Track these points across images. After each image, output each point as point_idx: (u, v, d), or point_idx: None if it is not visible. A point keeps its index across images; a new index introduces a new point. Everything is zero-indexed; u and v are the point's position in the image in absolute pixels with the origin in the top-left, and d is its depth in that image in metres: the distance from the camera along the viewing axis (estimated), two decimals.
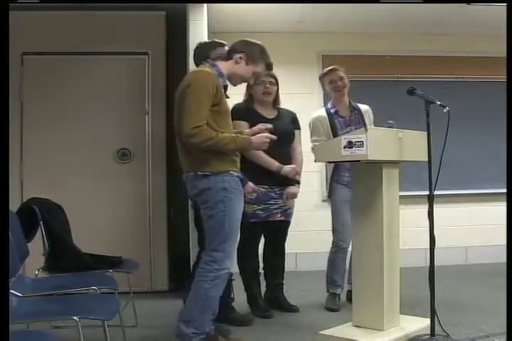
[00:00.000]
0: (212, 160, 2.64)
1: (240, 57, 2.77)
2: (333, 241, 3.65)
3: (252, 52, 2.80)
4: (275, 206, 3.43)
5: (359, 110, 3.73)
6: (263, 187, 3.38)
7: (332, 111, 3.68)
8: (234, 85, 2.89)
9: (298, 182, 3.52)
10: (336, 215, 3.62)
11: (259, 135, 2.75)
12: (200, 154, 2.64)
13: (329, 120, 3.64)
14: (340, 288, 3.66)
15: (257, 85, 3.45)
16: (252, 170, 3.29)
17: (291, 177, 3.43)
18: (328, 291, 3.68)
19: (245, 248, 3.45)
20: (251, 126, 3.29)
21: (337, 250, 3.62)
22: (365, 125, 3.57)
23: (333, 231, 3.64)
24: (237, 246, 2.77)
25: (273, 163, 3.40)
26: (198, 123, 2.56)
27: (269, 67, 2.88)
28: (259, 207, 3.38)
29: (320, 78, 3.79)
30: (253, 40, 2.86)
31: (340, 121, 3.66)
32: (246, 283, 3.53)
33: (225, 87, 3.12)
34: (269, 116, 3.51)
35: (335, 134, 3.56)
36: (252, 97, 3.51)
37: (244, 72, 2.81)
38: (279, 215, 3.46)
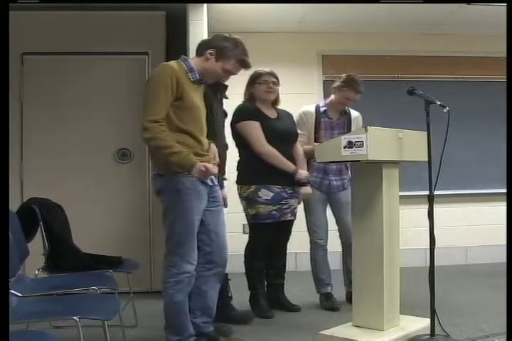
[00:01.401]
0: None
1: (210, 53, 2.66)
2: (311, 241, 3.67)
3: (223, 47, 2.65)
4: (286, 206, 3.44)
5: (349, 115, 3.73)
6: (277, 187, 3.39)
7: (321, 109, 3.69)
8: (208, 82, 2.79)
9: (308, 182, 3.55)
10: (309, 216, 3.65)
11: (204, 164, 2.51)
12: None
13: (316, 118, 3.65)
14: (330, 286, 3.66)
15: (260, 84, 3.46)
16: (265, 170, 3.32)
17: (304, 181, 3.47)
18: (318, 292, 3.68)
19: (255, 248, 3.47)
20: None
21: (316, 248, 3.64)
22: (349, 130, 3.59)
23: (309, 231, 3.67)
24: (195, 249, 2.63)
25: (290, 165, 3.41)
26: (153, 117, 2.49)
27: (242, 63, 2.70)
28: (274, 208, 3.39)
29: (337, 78, 3.70)
30: (229, 35, 2.71)
31: (326, 122, 3.66)
32: (251, 282, 3.53)
33: (225, 87, 3.11)
34: (272, 115, 3.52)
35: (316, 133, 3.59)
36: (253, 97, 3.50)
37: (213, 68, 2.67)
38: (289, 215, 3.47)
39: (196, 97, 2.67)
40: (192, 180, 2.57)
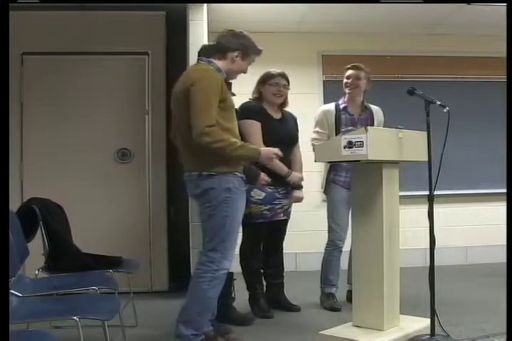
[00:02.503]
0: (218, 160, 2.63)
1: (236, 56, 2.78)
2: (329, 240, 3.65)
3: (246, 48, 2.80)
4: (279, 206, 3.44)
5: (370, 110, 3.72)
6: (269, 188, 3.39)
7: (341, 106, 3.68)
8: (230, 79, 2.92)
9: (301, 187, 3.56)
10: (332, 215, 3.63)
11: (269, 149, 2.77)
12: (205, 154, 2.63)
13: (336, 115, 3.64)
14: (335, 288, 3.66)
15: (271, 86, 3.47)
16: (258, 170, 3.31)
17: (296, 184, 3.50)
18: (323, 292, 3.67)
19: (249, 248, 3.48)
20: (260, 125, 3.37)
21: (333, 249, 3.62)
22: (372, 125, 3.58)
23: (329, 230, 3.65)
24: (235, 247, 2.75)
25: (283, 168, 3.42)
26: (211, 122, 2.56)
27: (258, 54, 2.88)
28: (266, 208, 3.40)
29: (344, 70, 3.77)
30: (239, 32, 2.84)
31: (347, 118, 3.65)
32: (249, 282, 3.53)
33: (229, 85, 3.14)
34: (276, 116, 3.53)
35: (338, 130, 3.57)
36: (261, 96, 3.51)
37: (242, 68, 2.84)
38: (281, 215, 3.48)
39: (231, 97, 2.80)
40: (240, 181, 2.71)
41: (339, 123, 3.61)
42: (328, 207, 3.66)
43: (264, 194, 3.37)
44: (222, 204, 2.64)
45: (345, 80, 3.69)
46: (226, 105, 2.68)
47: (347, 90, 3.68)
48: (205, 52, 3.04)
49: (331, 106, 3.71)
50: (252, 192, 3.34)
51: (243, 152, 2.64)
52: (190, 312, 2.65)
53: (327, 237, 3.66)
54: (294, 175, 3.46)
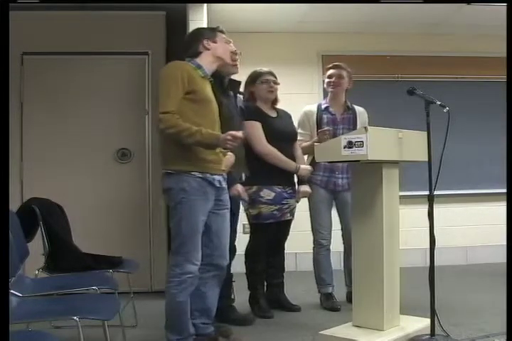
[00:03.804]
0: (179, 158, 2.59)
1: (206, 42, 2.74)
2: (314, 241, 3.67)
3: (208, 34, 2.78)
4: (286, 206, 3.45)
5: (353, 110, 3.72)
6: (278, 187, 3.40)
7: (323, 106, 3.70)
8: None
9: (309, 181, 3.57)
10: (314, 216, 3.65)
11: (230, 132, 2.54)
12: (168, 151, 2.62)
13: (317, 115, 3.65)
14: (331, 287, 3.66)
15: (262, 83, 3.48)
16: (267, 170, 3.33)
17: (306, 178, 3.50)
18: (320, 292, 3.68)
19: (256, 248, 3.48)
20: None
21: (320, 248, 3.64)
22: (355, 126, 3.59)
23: (313, 230, 3.67)
24: (199, 249, 2.62)
25: (292, 164, 3.42)
26: (165, 108, 2.54)
27: (222, 31, 2.84)
28: (276, 208, 3.40)
29: (324, 71, 3.81)
30: (194, 28, 2.94)
31: (329, 118, 3.66)
32: (251, 282, 3.53)
33: (238, 83, 3.18)
34: (272, 114, 3.53)
35: (319, 129, 3.57)
36: (253, 96, 3.51)
37: (224, 48, 2.80)
38: (288, 215, 3.48)
39: (208, 92, 2.73)
40: (199, 181, 2.60)
41: (320, 123, 3.62)
42: (310, 208, 3.68)
43: (273, 194, 3.37)
44: (178, 206, 2.59)
45: (327, 80, 3.71)
46: (196, 97, 2.62)
47: (330, 89, 3.70)
48: (187, 56, 3.08)
49: (313, 106, 3.73)
50: (261, 193, 3.35)
51: (199, 138, 2.51)
52: (169, 318, 2.65)
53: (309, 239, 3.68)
54: (303, 169, 3.46)
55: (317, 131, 3.58)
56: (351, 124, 3.65)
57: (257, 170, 3.35)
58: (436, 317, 2.73)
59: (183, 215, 2.58)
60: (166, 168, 2.63)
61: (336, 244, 3.72)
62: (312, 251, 3.70)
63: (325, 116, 3.65)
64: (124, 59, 4.18)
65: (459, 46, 5.16)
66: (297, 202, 3.56)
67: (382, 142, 2.73)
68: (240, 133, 2.54)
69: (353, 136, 2.65)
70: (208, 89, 2.73)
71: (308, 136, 3.65)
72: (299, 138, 3.64)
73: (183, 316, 2.64)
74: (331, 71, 3.71)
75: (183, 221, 2.59)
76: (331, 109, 3.68)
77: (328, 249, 3.66)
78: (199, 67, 2.71)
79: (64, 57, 4.12)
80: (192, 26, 3.95)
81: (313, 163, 3.54)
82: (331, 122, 3.65)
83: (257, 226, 3.44)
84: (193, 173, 2.59)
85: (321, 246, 3.64)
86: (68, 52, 4.10)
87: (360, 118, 3.71)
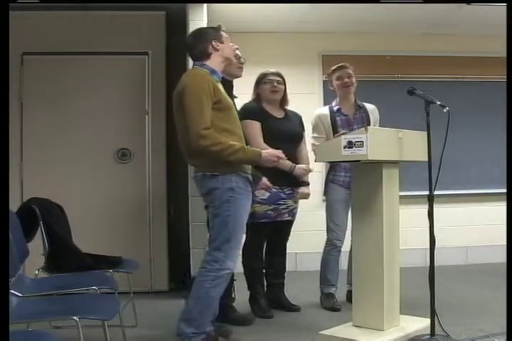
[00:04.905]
0: (219, 161, 2.63)
1: (215, 43, 2.75)
2: (328, 240, 3.65)
3: (214, 34, 2.78)
4: (283, 206, 3.44)
5: (365, 109, 3.71)
6: (274, 188, 3.39)
7: (335, 108, 3.68)
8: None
9: (308, 183, 3.55)
10: (331, 214, 3.63)
11: (272, 151, 2.73)
12: (207, 155, 2.64)
13: (330, 118, 3.64)
14: (335, 288, 3.65)
15: (265, 84, 3.49)
16: (263, 171, 3.30)
17: (303, 177, 3.48)
18: (322, 292, 3.67)
19: (252, 247, 3.47)
20: (261, 126, 3.37)
21: (331, 249, 3.62)
22: (369, 124, 3.59)
23: (328, 230, 3.65)
24: (241, 247, 2.75)
25: (286, 163, 3.41)
26: (205, 124, 2.57)
27: (224, 30, 2.85)
28: (270, 208, 3.40)
29: (328, 75, 3.79)
30: (195, 30, 2.90)
31: (342, 119, 3.65)
32: (250, 282, 3.53)
33: (231, 87, 3.14)
34: (278, 115, 3.53)
35: (335, 132, 3.56)
36: (259, 97, 3.53)
37: (229, 50, 2.82)
38: (286, 215, 3.48)
39: (228, 97, 2.77)
40: (243, 180, 2.69)
41: (335, 125, 3.62)
42: (327, 207, 3.67)
43: (268, 194, 3.37)
44: (225, 204, 2.64)
45: (338, 82, 3.67)
46: (222, 106, 2.67)
47: (342, 90, 3.67)
48: (194, 58, 3.07)
49: (325, 109, 3.72)
50: (256, 192, 3.34)
51: (242, 155, 2.62)
52: (192, 311, 2.65)
53: (326, 237, 3.66)
54: (298, 168, 3.43)
55: (333, 133, 3.55)
56: (365, 123, 3.62)
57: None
58: (436, 317, 2.73)
59: (231, 213, 2.64)
60: (210, 171, 2.65)
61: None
62: (323, 250, 3.66)
63: (338, 118, 3.64)
64: (124, 59, 4.18)
65: (459, 46, 5.16)
66: (295, 202, 3.54)
67: (382, 142, 2.73)
68: (281, 154, 2.71)
69: (353, 136, 2.65)
70: (226, 95, 2.76)
71: (323, 139, 3.61)
72: (314, 142, 3.60)
73: (209, 311, 2.67)
74: (338, 72, 3.67)
75: (230, 218, 2.64)
76: (343, 110, 3.67)
77: (340, 251, 3.62)
78: (213, 72, 2.74)
79: (64, 57, 4.12)
80: (192, 26, 3.95)
81: (334, 163, 3.54)
82: (346, 123, 3.63)
83: (251, 226, 3.43)
84: (239, 173, 2.68)
85: (333, 247, 3.61)
86: (68, 52, 4.10)
87: (372, 115, 3.71)
